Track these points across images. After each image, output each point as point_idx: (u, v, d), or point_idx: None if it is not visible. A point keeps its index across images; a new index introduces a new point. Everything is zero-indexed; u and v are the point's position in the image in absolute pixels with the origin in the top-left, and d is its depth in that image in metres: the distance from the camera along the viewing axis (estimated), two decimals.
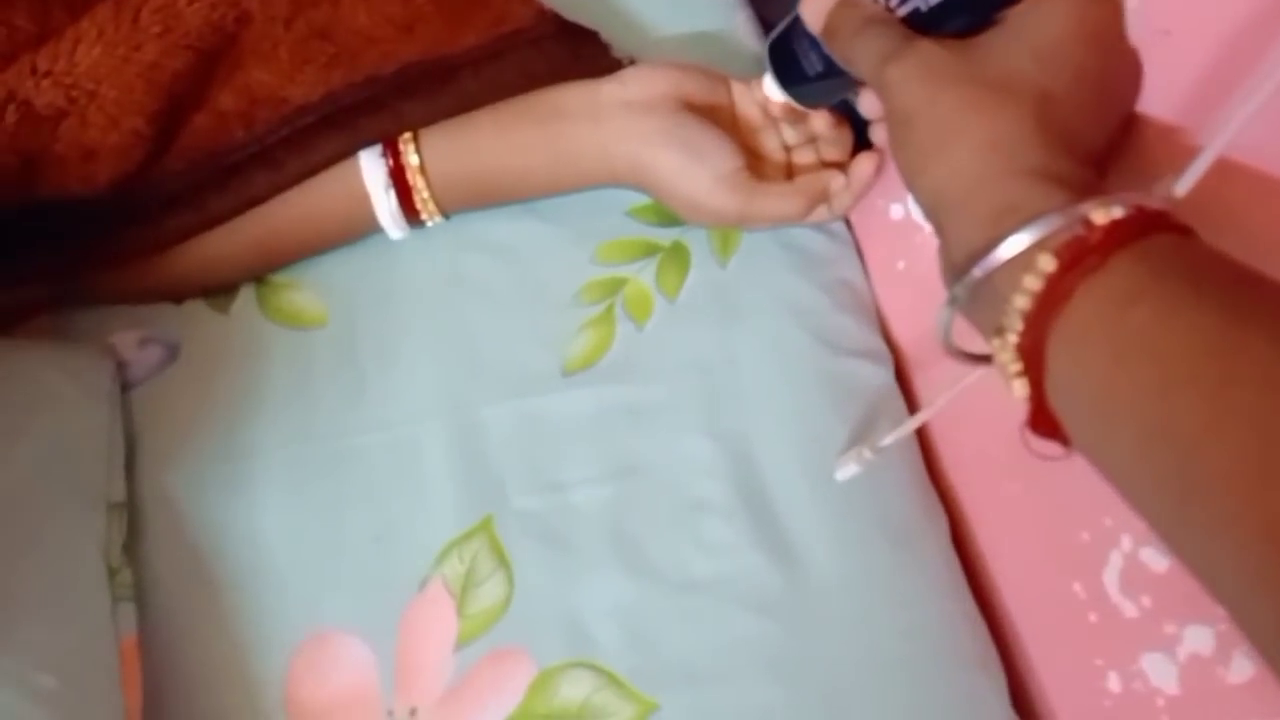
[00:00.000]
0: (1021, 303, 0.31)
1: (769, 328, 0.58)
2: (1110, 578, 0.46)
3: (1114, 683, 0.47)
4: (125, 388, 0.53)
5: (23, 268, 0.49)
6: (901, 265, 0.59)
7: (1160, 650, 0.44)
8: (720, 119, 0.56)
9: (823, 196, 0.56)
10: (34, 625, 0.41)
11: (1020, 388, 0.33)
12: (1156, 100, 0.39)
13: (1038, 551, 0.52)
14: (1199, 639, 0.42)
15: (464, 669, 0.49)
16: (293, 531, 0.51)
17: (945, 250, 0.37)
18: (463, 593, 0.50)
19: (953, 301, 0.35)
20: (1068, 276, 0.30)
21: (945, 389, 0.57)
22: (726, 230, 0.60)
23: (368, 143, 0.53)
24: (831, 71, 0.47)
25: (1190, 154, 0.33)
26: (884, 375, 0.59)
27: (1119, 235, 0.30)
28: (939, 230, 0.37)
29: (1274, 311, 0.27)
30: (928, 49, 0.38)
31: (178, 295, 0.56)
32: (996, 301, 0.33)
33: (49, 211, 0.49)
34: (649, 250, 0.59)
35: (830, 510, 0.54)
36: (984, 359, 0.39)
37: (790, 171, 0.57)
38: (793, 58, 0.50)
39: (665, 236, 0.60)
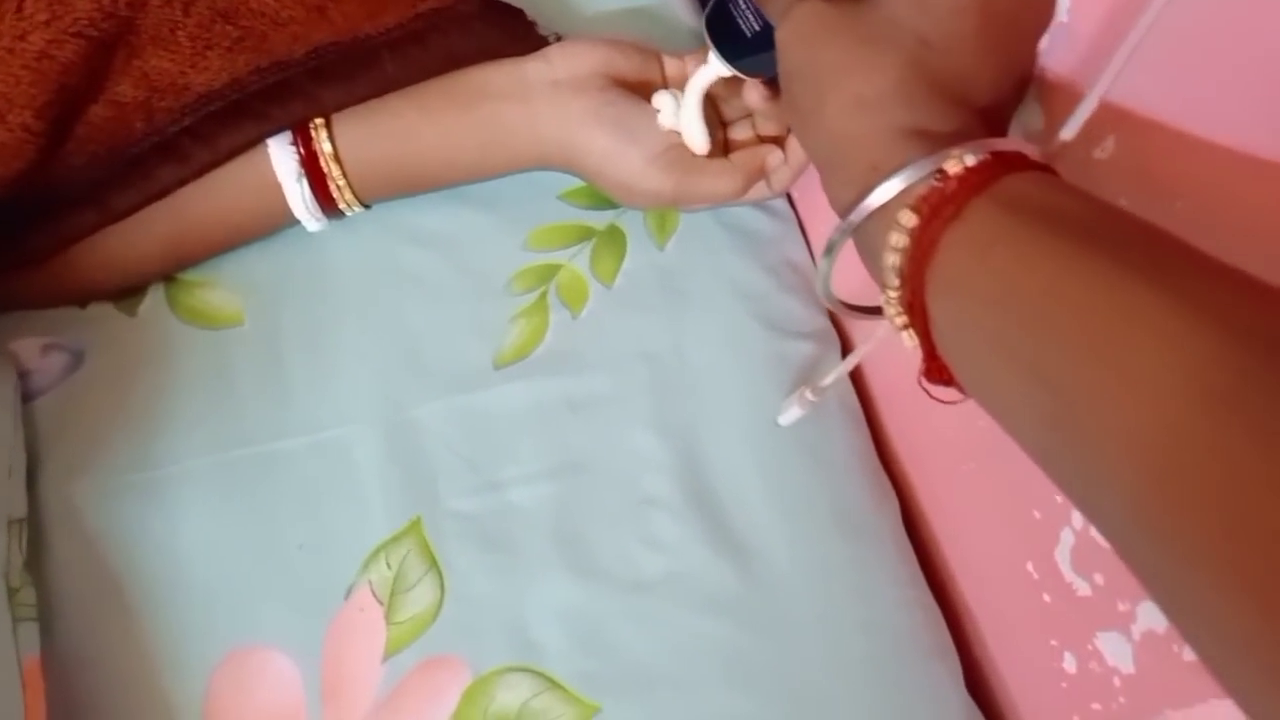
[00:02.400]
0: (893, 260, 0.32)
1: (713, 312, 0.56)
2: (1062, 556, 0.44)
3: (1069, 663, 0.45)
4: (28, 398, 0.50)
5: None
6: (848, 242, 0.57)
7: (1115, 629, 0.42)
8: (651, 95, 0.54)
9: (761, 173, 0.54)
10: None
11: (909, 339, 0.33)
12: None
13: (991, 533, 0.50)
14: (1153, 615, 0.40)
15: (394, 680, 0.46)
16: (212, 544, 0.48)
17: (832, 207, 0.37)
18: (391, 599, 0.48)
19: (827, 256, 0.36)
20: (929, 229, 0.30)
21: (891, 362, 0.55)
22: (663, 211, 0.58)
23: (278, 130, 0.50)
24: (768, 34, 0.45)
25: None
26: (832, 358, 0.57)
27: (973, 182, 0.30)
28: (825, 189, 0.37)
29: (1129, 243, 0.27)
30: (812, 5, 0.37)
31: (82, 298, 0.53)
32: (876, 258, 0.33)
33: None
34: (583, 235, 0.57)
35: (779, 502, 0.52)
36: (873, 310, 0.39)
37: (727, 148, 0.55)
38: (730, 20, 0.48)
39: (599, 220, 0.58)
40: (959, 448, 0.51)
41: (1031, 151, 0.32)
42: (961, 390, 0.33)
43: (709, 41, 0.50)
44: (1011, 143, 0.32)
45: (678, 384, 0.54)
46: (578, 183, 0.57)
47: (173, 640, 0.46)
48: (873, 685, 0.49)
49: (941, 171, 0.31)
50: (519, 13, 0.56)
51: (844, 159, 0.35)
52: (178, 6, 0.47)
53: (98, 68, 0.47)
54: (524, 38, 0.55)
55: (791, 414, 0.52)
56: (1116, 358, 0.25)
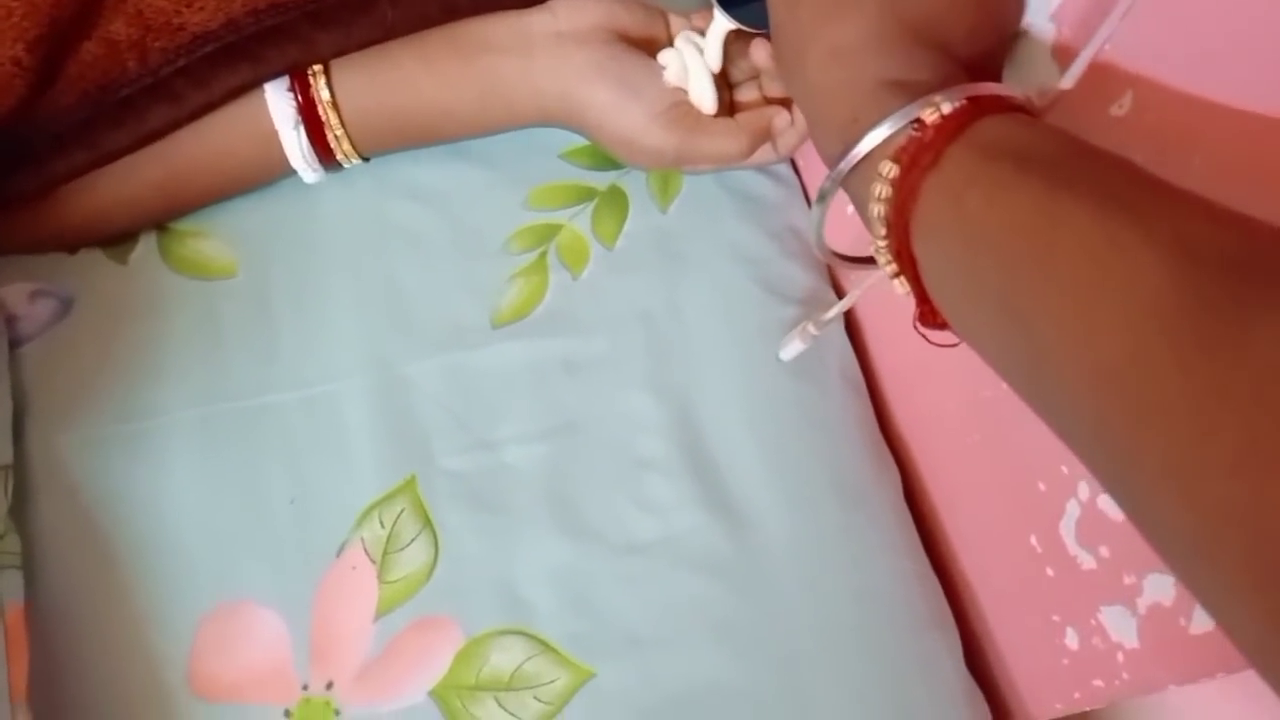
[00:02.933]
0: (878, 209, 0.32)
1: (713, 277, 0.55)
2: (1067, 528, 0.44)
3: (1071, 639, 0.45)
4: (14, 344, 0.48)
5: None
6: (850, 210, 0.56)
7: (1119, 602, 0.42)
8: (656, 53, 0.52)
9: (766, 134, 0.53)
10: None
11: (900, 286, 0.34)
12: None
13: (994, 505, 0.49)
14: (1159, 588, 0.39)
15: (385, 639, 0.46)
16: (200, 496, 0.47)
17: (820, 158, 0.37)
18: (383, 558, 0.47)
19: (818, 206, 0.36)
20: (909, 177, 0.31)
21: (894, 332, 0.54)
22: (666, 173, 0.57)
23: (275, 74, 0.49)
24: None
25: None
26: (834, 325, 0.56)
27: (950, 128, 0.31)
28: (812, 140, 0.37)
29: (1094, 177, 0.27)
30: None
31: (72, 244, 0.51)
32: (864, 208, 0.34)
33: None
34: (584, 195, 0.56)
35: (777, 467, 0.51)
36: (862, 260, 0.40)
37: (733, 109, 0.54)
38: None
39: (601, 180, 0.56)
40: (962, 420, 0.50)
41: (1008, 93, 0.33)
42: (955, 333, 0.33)
43: None
44: (987, 87, 0.32)
45: (677, 347, 0.53)
46: (579, 141, 0.56)
47: (159, 593, 0.45)
48: (867, 654, 0.48)
49: (919, 120, 0.31)
50: None
51: (826, 111, 0.35)
52: None
53: (91, 3, 0.46)
54: None
55: (793, 348, 0.51)
56: (1078, 290, 0.26)
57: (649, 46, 0.53)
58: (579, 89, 0.51)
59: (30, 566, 0.44)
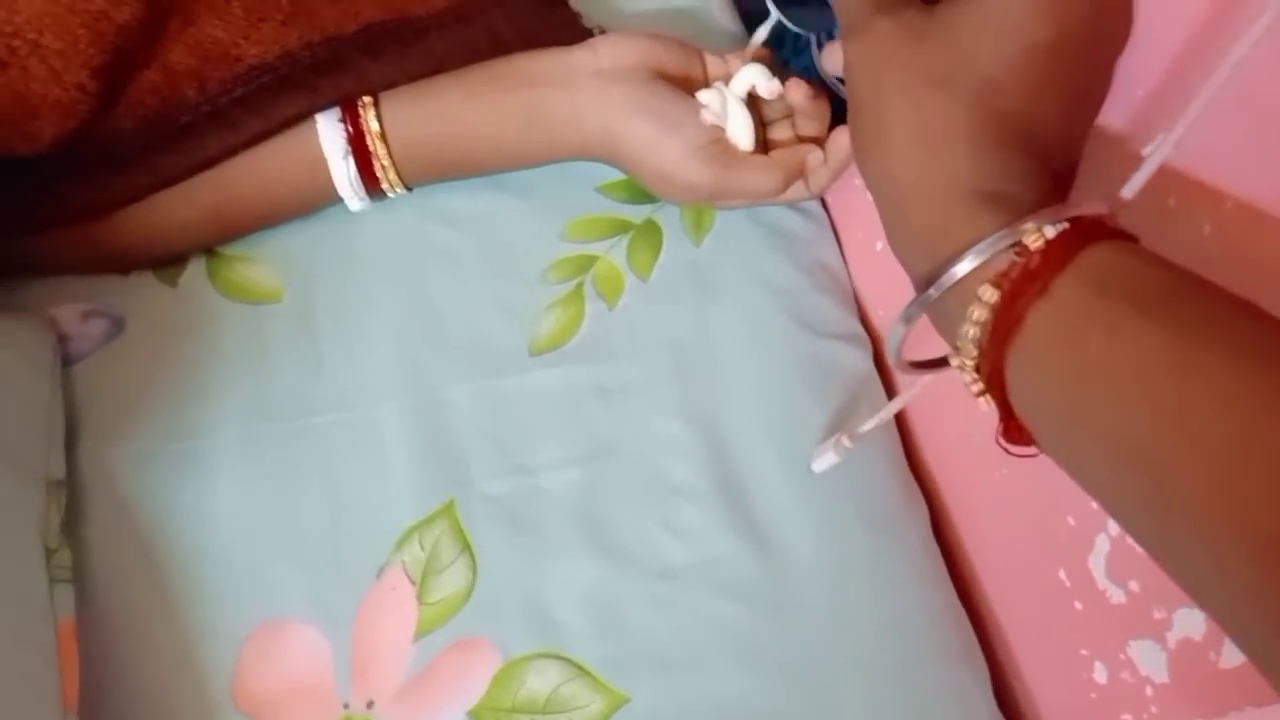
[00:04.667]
0: (972, 332, 0.31)
1: (745, 309, 0.56)
2: (1096, 563, 0.45)
3: (1100, 673, 0.45)
4: (67, 363, 0.50)
5: None
6: (880, 247, 0.58)
7: (1149, 637, 0.42)
8: (694, 90, 0.54)
9: (800, 172, 0.54)
10: None
11: (985, 405, 0.33)
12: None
13: (1021, 538, 0.50)
14: (1190, 623, 0.40)
15: (424, 659, 0.46)
16: (245, 515, 0.48)
17: (892, 248, 0.36)
18: (423, 580, 0.48)
19: (902, 324, 0.35)
20: (1013, 306, 0.30)
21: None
22: (700, 208, 0.58)
23: (328, 104, 0.50)
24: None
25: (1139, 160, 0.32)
26: (862, 359, 0.57)
27: (1057, 256, 0.29)
28: (883, 225, 0.36)
29: (1221, 322, 0.27)
30: (884, 26, 0.35)
31: (124, 266, 0.53)
32: (949, 322, 0.32)
33: None
34: (620, 228, 0.57)
35: (807, 496, 0.52)
36: (939, 363, 0.39)
37: (766, 147, 0.55)
38: None
39: (637, 214, 0.58)
40: (991, 454, 0.51)
41: (1109, 214, 0.31)
42: (1041, 450, 0.32)
43: None
44: (1090, 207, 0.31)
45: (709, 376, 0.54)
46: (616, 175, 0.57)
47: (204, 609, 0.46)
48: (894, 682, 0.49)
49: (1021, 244, 0.30)
50: (563, 2, 0.56)
51: (906, 208, 0.34)
52: None
53: (153, 32, 0.47)
54: (567, 26, 0.55)
55: (825, 460, 0.51)
56: (1224, 451, 0.25)
57: (687, 85, 0.54)
58: (619, 123, 0.52)
59: (81, 581, 0.45)
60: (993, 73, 0.32)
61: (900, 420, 0.57)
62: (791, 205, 0.60)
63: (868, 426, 0.50)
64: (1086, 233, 0.30)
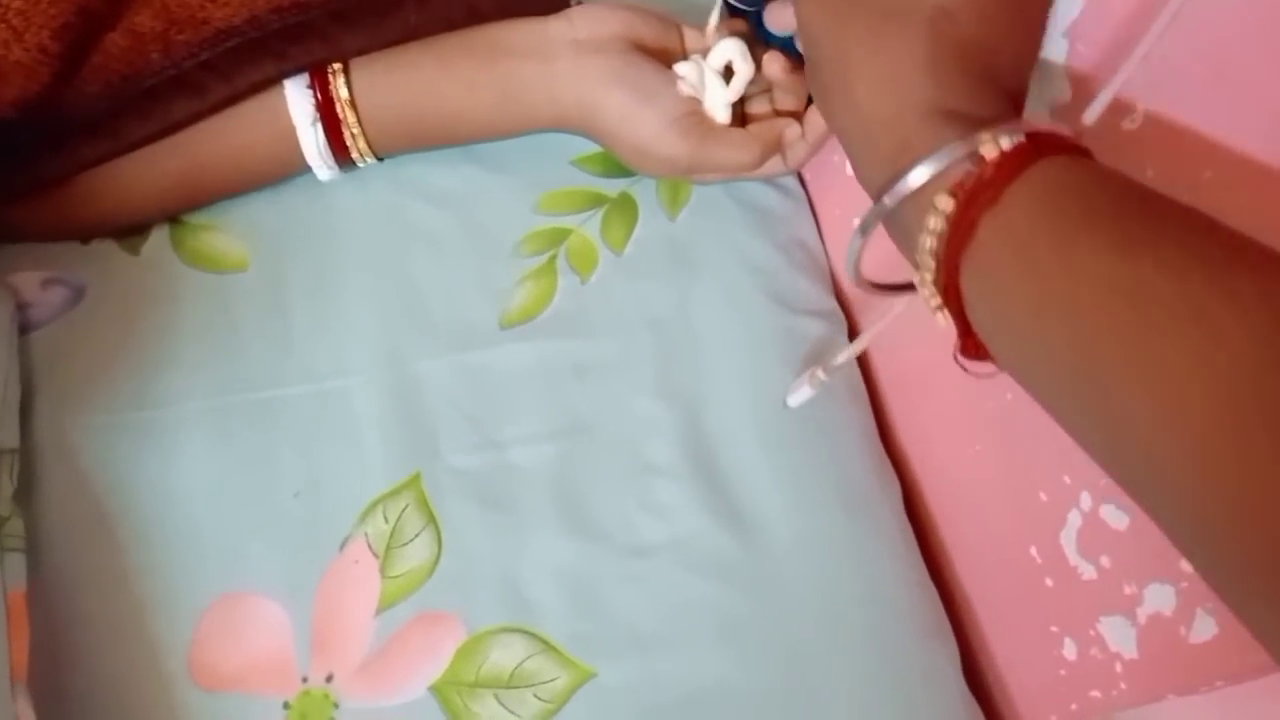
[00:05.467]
0: (929, 243, 0.32)
1: (722, 285, 0.55)
2: (1068, 539, 0.44)
3: (1070, 649, 0.45)
4: (25, 330, 0.49)
5: None
6: (856, 223, 0.57)
7: (1119, 613, 0.42)
8: (671, 64, 0.53)
9: (777, 146, 0.53)
10: None
11: (943, 319, 0.33)
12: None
13: (994, 515, 0.50)
14: (1160, 598, 0.40)
15: (386, 634, 0.46)
16: (206, 487, 0.47)
17: (861, 185, 0.36)
18: (386, 553, 0.47)
19: (859, 236, 0.36)
20: (966, 214, 0.30)
21: (896, 341, 0.55)
22: (676, 182, 0.58)
23: (296, 70, 0.49)
24: None
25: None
26: (839, 337, 0.56)
27: (1011, 166, 0.30)
28: (852, 165, 0.37)
29: (1170, 235, 0.27)
30: None
31: (86, 233, 0.52)
32: (909, 234, 0.33)
33: None
34: (594, 201, 0.57)
35: (783, 474, 0.51)
36: (900, 288, 0.40)
37: (744, 121, 0.54)
38: None
39: (612, 187, 0.57)
40: (965, 430, 0.51)
41: (1065, 132, 0.32)
42: (998, 365, 0.32)
43: None
44: (1044, 123, 0.32)
45: (684, 353, 0.54)
46: (591, 148, 0.57)
47: (162, 580, 0.45)
48: (869, 659, 0.48)
49: (977, 154, 0.31)
50: None
51: (873, 137, 0.35)
52: None
53: None
54: None
55: (801, 394, 0.52)
56: (1164, 367, 0.25)
57: (664, 57, 0.53)
58: (595, 95, 0.51)
59: (34, 551, 0.44)
60: (944, 2, 0.34)
61: (874, 397, 0.57)
62: (768, 180, 0.59)
63: (841, 359, 0.50)
64: (1043, 146, 0.30)
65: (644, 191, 0.57)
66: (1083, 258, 0.28)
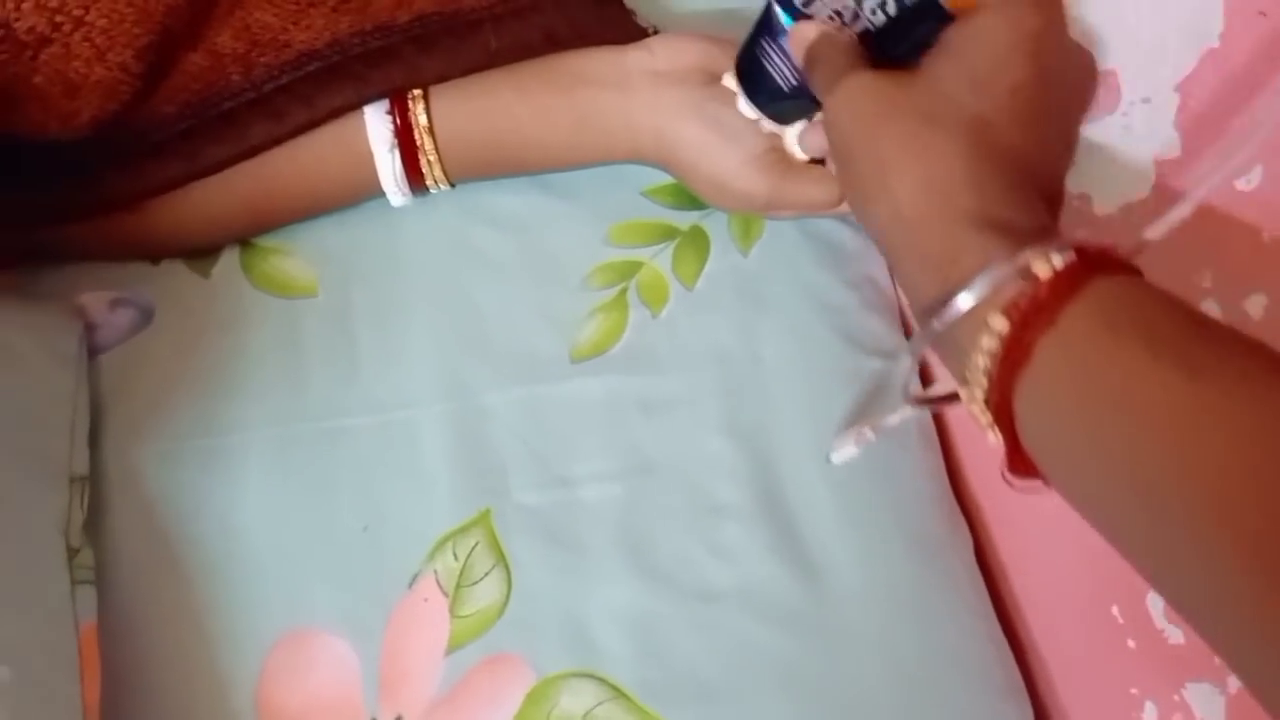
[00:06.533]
0: (983, 362, 0.31)
1: (792, 322, 0.54)
2: (1154, 602, 0.43)
3: (1150, 713, 0.44)
4: (93, 352, 0.48)
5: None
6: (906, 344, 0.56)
7: (1208, 680, 0.41)
8: None
9: None
10: None
11: (994, 436, 0.33)
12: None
13: (1071, 572, 0.49)
14: None
15: (455, 675, 0.45)
16: (274, 518, 0.46)
17: (901, 286, 0.37)
18: (456, 591, 0.46)
19: (910, 359, 0.36)
20: (1022, 336, 0.30)
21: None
22: (748, 217, 0.57)
23: (376, 96, 0.49)
24: (804, 89, 0.44)
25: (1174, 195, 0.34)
26: (910, 378, 0.55)
27: (1065, 287, 0.30)
28: (890, 265, 0.37)
29: (1232, 363, 0.27)
30: (863, 79, 0.37)
31: (155, 254, 0.51)
32: (959, 353, 0.33)
33: (24, 151, 0.44)
34: (666, 234, 0.56)
35: (850, 519, 0.51)
36: (949, 399, 0.39)
37: (822, 159, 0.54)
38: (762, 69, 0.47)
39: (683, 220, 0.56)
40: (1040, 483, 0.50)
41: (1111, 247, 0.32)
42: (1046, 483, 0.32)
43: (736, 84, 0.49)
44: (1112, 216, 0.32)
45: (753, 392, 0.53)
46: (663, 179, 0.56)
47: (229, 616, 0.44)
48: (933, 714, 0.47)
49: (1029, 271, 0.31)
50: (619, 1, 0.55)
51: (915, 240, 0.35)
52: None
53: (200, 14, 0.46)
54: (623, 24, 0.53)
55: (846, 451, 0.51)
56: (1228, 482, 0.25)
57: None
58: (674, 127, 0.51)
59: (102, 583, 0.43)
60: (982, 110, 0.35)
61: (945, 444, 0.56)
62: (841, 218, 0.58)
63: (893, 420, 0.49)
64: (1094, 264, 0.30)
65: (716, 225, 0.56)
66: (1146, 381, 0.28)
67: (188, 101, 0.46)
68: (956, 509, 0.54)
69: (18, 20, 0.41)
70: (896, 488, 0.52)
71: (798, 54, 0.43)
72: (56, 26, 0.41)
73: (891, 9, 0.40)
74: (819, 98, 0.40)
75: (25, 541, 0.39)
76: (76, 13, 0.42)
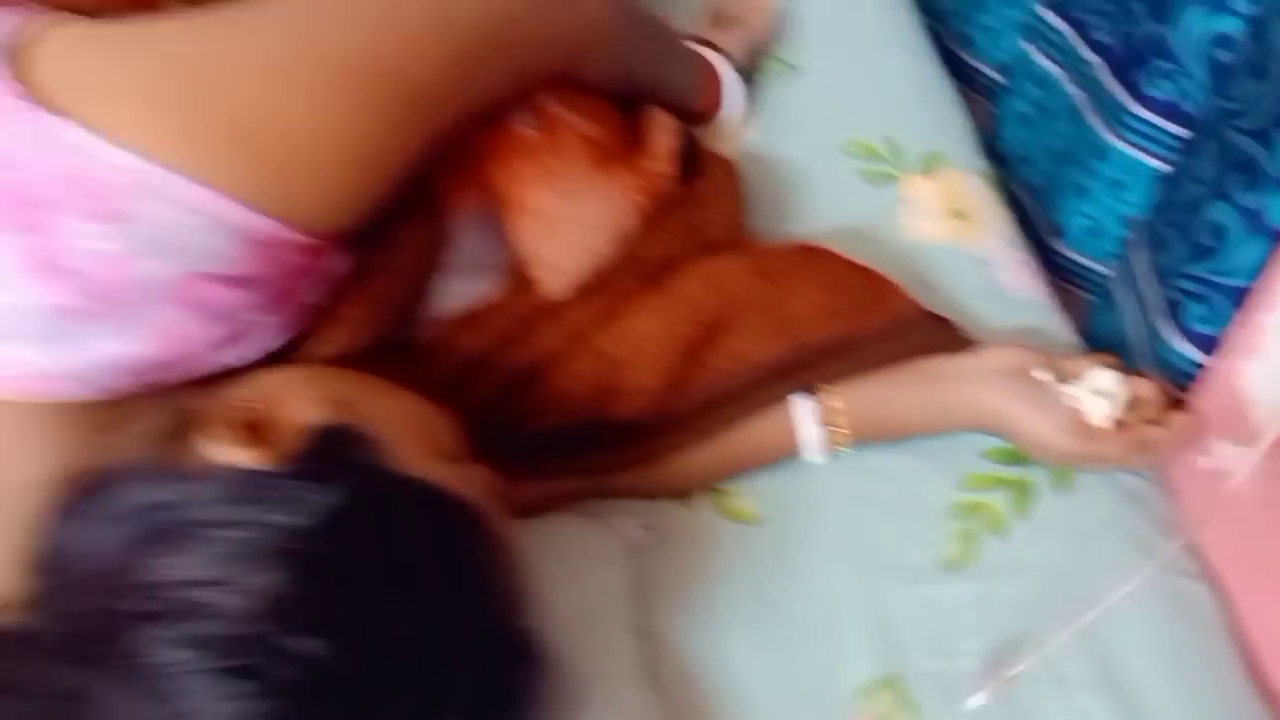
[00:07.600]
0: None
1: (1108, 548, 0.73)
2: None
3: None
4: None
5: (575, 467, 0.72)
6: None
7: None
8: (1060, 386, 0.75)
9: (1142, 446, 0.73)
10: None
11: None
12: None
13: None
14: None
15: None
16: (743, 665, 0.69)
17: None
18: None
19: None
20: None
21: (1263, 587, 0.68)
22: (1064, 469, 0.77)
23: (801, 389, 0.74)
24: None
25: None
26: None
27: None
28: None
29: None
30: None
31: (654, 495, 0.77)
32: None
33: (594, 430, 0.72)
34: (1001, 483, 0.77)
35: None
36: None
37: (1118, 424, 0.74)
38: None
39: (1014, 473, 0.78)
40: None
41: None
42: None
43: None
44: None
45: (1082, 599, 0.71)
46: (996, 444, 0.78)
47: None
48: None
49: None
50: (953, 321, 0.79)
51: None
52: (755, 310, 0.74)
53: (700, 344, 0.74)
54: (960, 337, 0.78)
55: (979, 698, 0.67)
56: None
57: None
58: (1007, 407, 0.73)
59: None
60: None
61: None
62: (1133, 470, 0.78)
63: (1022, 667, 0.65)
64: None
65: (1039, 476, 0.77)
66: None
67: (696, 397, 0.74)
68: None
69: (609, 348, 0.71)
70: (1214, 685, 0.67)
71: None
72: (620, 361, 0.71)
73: None
74: None
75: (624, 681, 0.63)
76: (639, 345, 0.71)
